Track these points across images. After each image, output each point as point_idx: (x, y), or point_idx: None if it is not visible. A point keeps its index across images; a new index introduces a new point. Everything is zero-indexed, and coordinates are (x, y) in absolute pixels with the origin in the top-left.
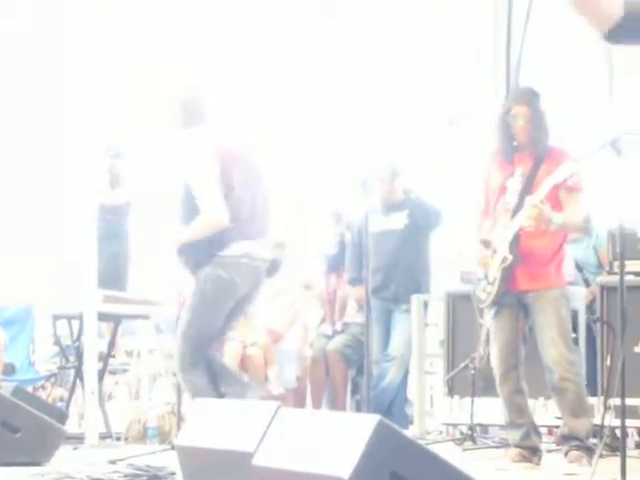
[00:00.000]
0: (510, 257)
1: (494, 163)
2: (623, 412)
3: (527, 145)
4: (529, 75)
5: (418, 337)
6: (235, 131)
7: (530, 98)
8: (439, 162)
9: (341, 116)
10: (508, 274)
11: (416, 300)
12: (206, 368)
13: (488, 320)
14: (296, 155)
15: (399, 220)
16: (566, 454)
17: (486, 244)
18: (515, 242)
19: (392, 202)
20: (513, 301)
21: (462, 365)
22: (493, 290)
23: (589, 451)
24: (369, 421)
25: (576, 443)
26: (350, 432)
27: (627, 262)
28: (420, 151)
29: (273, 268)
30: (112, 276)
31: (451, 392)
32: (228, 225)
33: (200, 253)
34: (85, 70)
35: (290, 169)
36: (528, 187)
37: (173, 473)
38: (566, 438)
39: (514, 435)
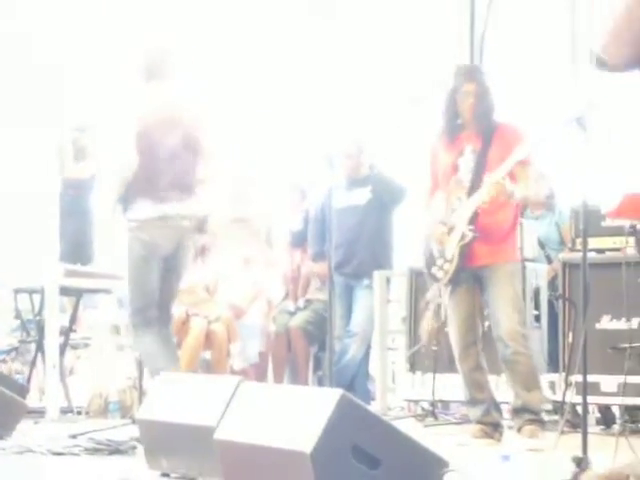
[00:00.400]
0: (470, 233)
1: (440, 143)
2: (585, 389)
3: (473, 122)
4: (492, 53)
5: (380, 313)
6: (188, 93)
7: (478, 75)
8: (402, 139)
9: (308, 92)
10: (466, 250)
11: (378, 276)
12: (158, 337)
13: (445, 298)
14: (263, 131)
15: (362, 195)
16: (519, 429)
17: (442, 222)
18: (474, 219)
19: (356, 177)
20: (469, 277)
21: (423, 342)
22: (451, 268)
23: (542, 424)
24: (332, 395)
25: (531, 417)
26: (313, 406)
27: (590, 239)
28: (383, 128)
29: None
30: (76, 250)
31: (413, 368)
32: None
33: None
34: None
35: (257, 144)
36: (482, 164)
37: (134, 447)
38: (519, 411)
39: (475, 412)
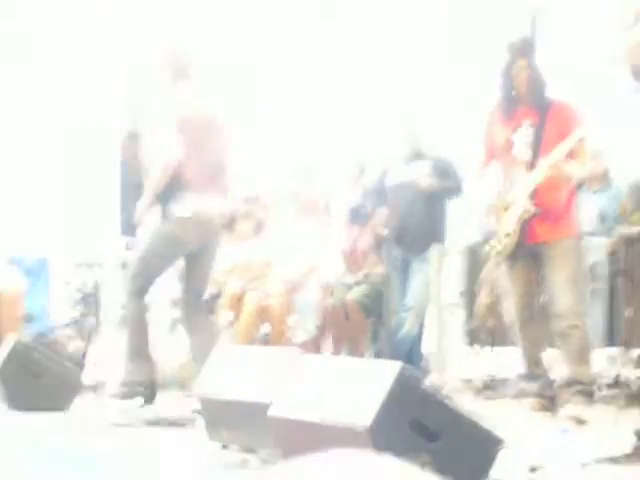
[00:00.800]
0: (531, 209)
1: (496, 116)
2: None
3: (528, 97)
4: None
5: (436, 287)
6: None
7: (530, 50)
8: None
9: (369, 72)
10: (526, 226)
11: (435, 251)
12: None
13: (502, 272)
14: (321, 106)
15: (419, 171)
16: (568, 399)
17: (500, 198)
18: (533, 195)
19: (415, 152)
20: (527, 253)
21: (479, 316)
22: (510, 243)
23: (591, 396)
24: (391, 368)
25: (580, 387)
26: (372, 379)
27: None
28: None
29: (230, 223)
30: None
31: (471, 342)
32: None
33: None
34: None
35: (315, 120)
36: (538, 140)
37: (194, 419)
38: (569, 383)
39: (533, 386)
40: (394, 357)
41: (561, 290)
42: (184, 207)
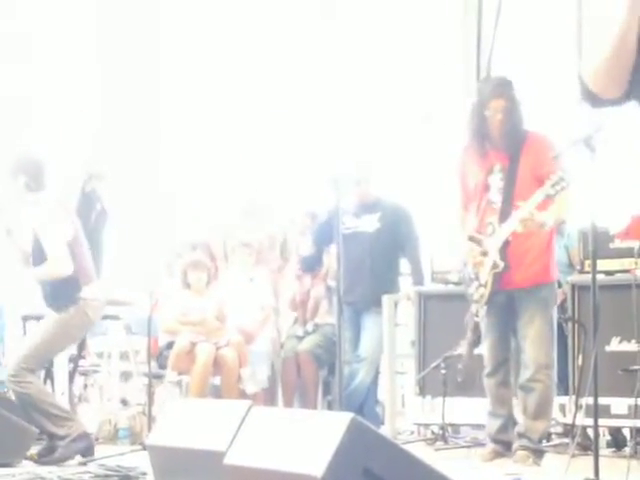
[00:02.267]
0: (501, 264)
1: (469, 158)
2: (596, 411)
3: (502, 139)
4: (500, 71)
5: (389, 337)
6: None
7: (506, 89)
8: (412, 159)
9: (314, 115)
10: (499, 277)
11: (387, 300)
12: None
13: (481, 316)
14: (271, 156)
15: (370, 223)
16: (514, 453)
17: (476, 241)
18: (504, 248)
19: (364, 203)
20: (503, 299)
21: (433, 365)
22: (485, 292)
23: (537, 453)
24: (342, 419)
25: (526, 444)
26: (323, 430)
27: (599, 261)
28: (393, 148)
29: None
30: None
31: (422, 392)
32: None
33: (62, 294)
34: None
35: (267, 170)
36: (511, 184)
37: (144, 473)
38: (519, 436)
39: (492, 425)
40: (347, 408)
41: (529, 343)
42: (88, 293)
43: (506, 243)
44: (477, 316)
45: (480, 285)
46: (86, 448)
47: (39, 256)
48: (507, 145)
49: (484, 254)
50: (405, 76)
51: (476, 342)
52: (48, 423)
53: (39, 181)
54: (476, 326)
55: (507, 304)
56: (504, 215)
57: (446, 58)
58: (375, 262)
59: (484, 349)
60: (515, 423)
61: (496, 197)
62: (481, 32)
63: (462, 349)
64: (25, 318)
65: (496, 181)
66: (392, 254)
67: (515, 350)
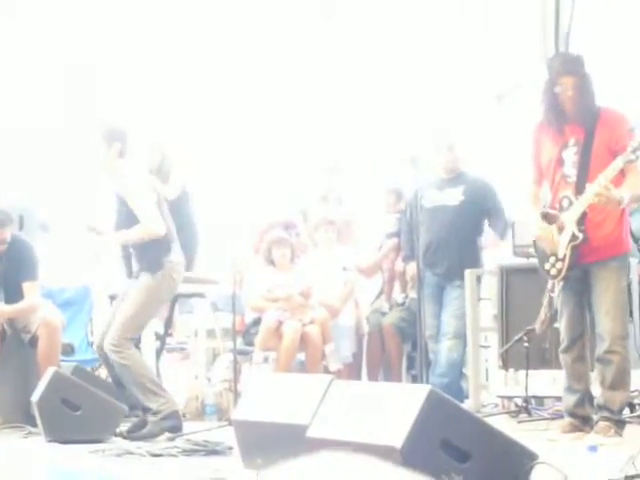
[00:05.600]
0: (580, 235)
1: (543, 134)
2: None
3: (576, 114)
4: (578, 44)
5: (472, 311)
6: None
7: (575, 66)
8: (489, 137)
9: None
10: (577, 251)
11: (469, 275)
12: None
13: (557, 292)
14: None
15: (454, 196)
16: (595, 424)
17: (549, 219)
18: (582, 219)
19: (448, 177)
20: (579, 274)
21: (516, 338)
22: (563, 266)
23: (620, 424)
24: (421, 391)
25: (607, 415)
26: (402, 402)
27: None
28: (469, 128)
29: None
30: None
31: (505, 365)
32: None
33: (152, 257)
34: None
35: (349, 148)
36: (586, 158)
37: (230, 448)
38: (600, 408)
39: (568, 400)
40: (434, 383)
41: (604, 314)
42: (174, 256)
43: (584, 215)
44: (553, 292)
45: (558, 260)
46: (175, 427)
47: (126, 220)
48: (582, 120)
49: (560, 229)
50: (482, 52)
51: (553, 318)
52: (143, 397)
53: (126, 149)
54: (550, 302)
55: (582, 278)
56: (579, 188)
57: (524, 28)
58: (459, 235)
59: (560, 324)
60: (592, 398)
61: (571, 171)
62: (559, 8)
63: (536, 325)
64: (112, 297)
65: (570, 155)
66: (475, 228)
67: (590, 324)
